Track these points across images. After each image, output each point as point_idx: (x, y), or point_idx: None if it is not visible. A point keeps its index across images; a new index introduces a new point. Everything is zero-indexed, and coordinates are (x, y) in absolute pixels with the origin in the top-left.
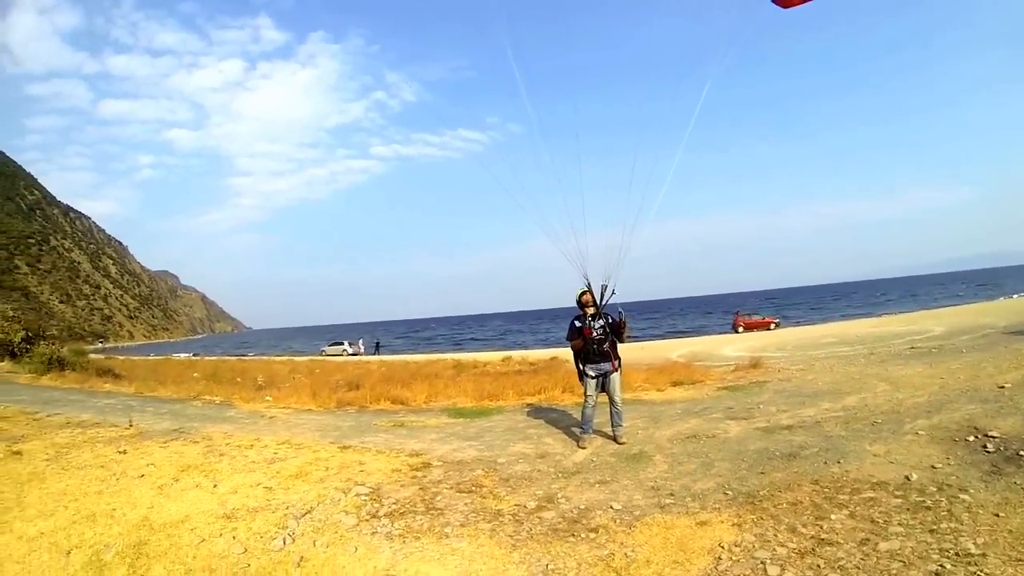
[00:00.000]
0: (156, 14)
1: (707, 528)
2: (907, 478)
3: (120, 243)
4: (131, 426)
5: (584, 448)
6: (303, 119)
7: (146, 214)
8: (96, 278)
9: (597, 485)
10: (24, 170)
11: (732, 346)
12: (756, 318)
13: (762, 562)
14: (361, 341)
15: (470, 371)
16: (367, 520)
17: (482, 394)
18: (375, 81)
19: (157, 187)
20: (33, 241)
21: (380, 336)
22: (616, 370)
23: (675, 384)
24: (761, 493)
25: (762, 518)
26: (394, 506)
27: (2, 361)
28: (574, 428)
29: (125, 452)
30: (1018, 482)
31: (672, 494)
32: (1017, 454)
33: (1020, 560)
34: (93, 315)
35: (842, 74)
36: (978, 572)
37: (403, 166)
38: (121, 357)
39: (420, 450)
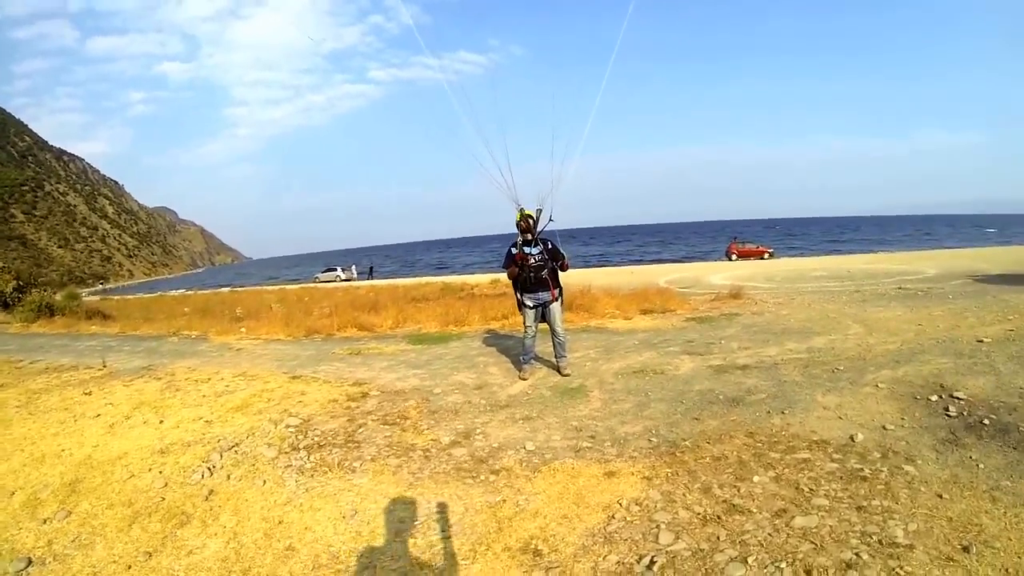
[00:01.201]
0: None
1: (613, 480)
2: (851, 439)
3: (116, 182)
4: (104, 367)
5: (524, 379)
6: (298, 45)
7: (140, 151)
8: (93, 220)
9: (521, 421)
10: (13, 117)
11: (721, 274)
12: (750, 246)
13: (657, 526)
14: (354, 267)
15: (456, 294)
16: (286, 453)
17: (448, 319)
18: (372, 4)
19: (150, 123)
20: (27, 188)
21: (375, 261)
22: (556, 300)
23: (644, 312)
24: (687, 443)
25: (677, 473)
26: (316, 438)
27: None
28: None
29: (90, 393)
30: (973, 457)
31: (593, 436)
32: (980, 422)
33: (951, 560)
34: (92, 257)
35: (862, 15)
36: (898, 569)
37: (402, 90)
38: (116, 297)
39: (364, 379)
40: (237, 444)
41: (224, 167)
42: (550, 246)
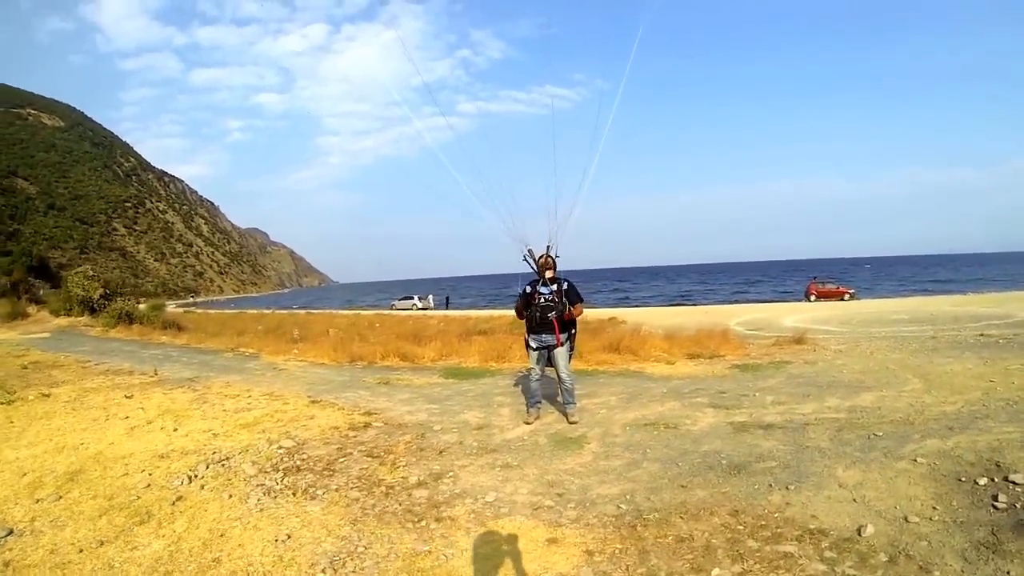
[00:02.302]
0: None
1: (552, 548)
2: (859, 531)
3: (212, 203)
4: (155, 375)
5: (528, 424)
6: (389, 78)
7: (236, 175)
8: (189, 237)
9: (499, 469)
10: (120, 139)
11: (796, 316)
12: (830, 287)
13: None
14: (431, 296)
15: (520, 328)
16: (265, 472)
17: (491, 354)
18: (460, 39)
19: (247, 149)
20: (129, 205)
21: (455, 290)
22: (561, 344)
23: (691, 357)
24: (656, 515)
25: (627, 550)
26: (299, 462)
27: (83, 315)
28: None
29: (131, 397)
30: (1012, 573)
31: (561, 495)
32: None
33: None
34: (186, 271)
35: (955, 37)
36: None
37: (488, 122)
38: (199, 311)
39: (377, 409)
40: (228, 458)
41: (315, 193)
42: (565, 286)
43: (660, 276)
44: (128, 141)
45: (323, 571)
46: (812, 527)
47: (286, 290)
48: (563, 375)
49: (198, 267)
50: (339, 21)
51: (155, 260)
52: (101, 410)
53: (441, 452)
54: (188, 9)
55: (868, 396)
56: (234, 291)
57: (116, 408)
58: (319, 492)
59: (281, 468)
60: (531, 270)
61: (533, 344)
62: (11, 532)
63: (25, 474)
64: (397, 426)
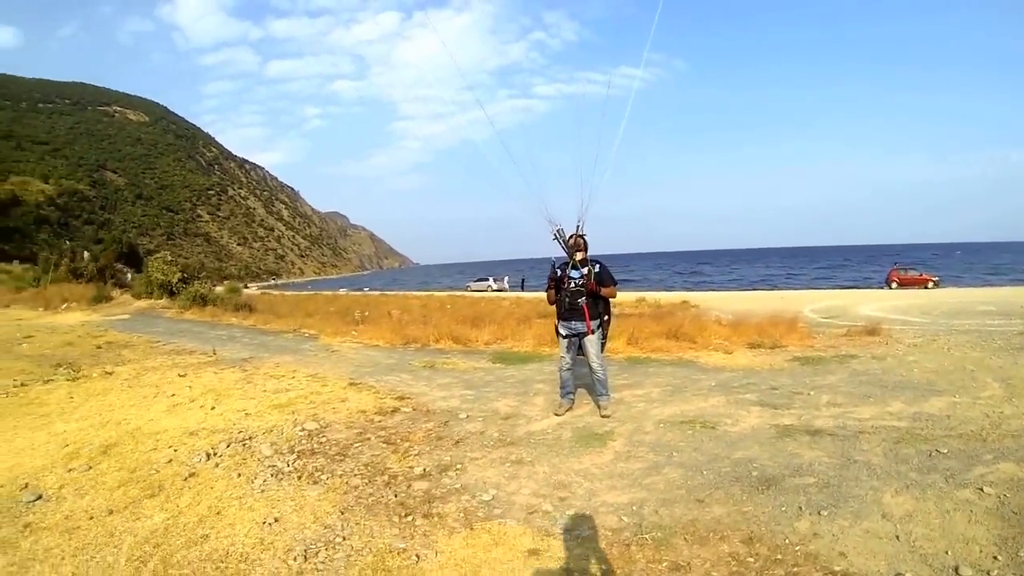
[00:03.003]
0: None
1: (530, 560)
2: None
3: (292, 189)
4: (214, 355)
5: (558, 415)
6: (463, 63)
7: (316, 161)
8: (270, 221)
9: (509, 464)
10: (203, 131)
11: (873, 304)
12: (913, 274)
13: None
14: (507, 278)
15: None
16: (280, 454)
17: (545, 338)
18: (533, 22)
19: (324, 135)
20: (212, 192)
21: (528, 272)
22: (592, 331)
23: (751, 346)
24: (657, 534)
25: (609, 574)
26: (316, 445)
27: (161, 299)
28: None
29: (184, 375)
30: None
31: (563, 499)
32: None
33: None
34: (267, 255)
35: None
36: None
37: (567, 104)
38: (275, 293)
39: (411, 394)
40: (251, 438)
41: (393, 177)
42: (597, 268)
43: (742, 259)
44: (210, 132)
45: (295, 558)
46: (837, 569)
47: (366, 272)
48: (594, 365)
49: (279, 251)
50: (410, 8)
51: (238, 244)
52: (153, 388)
53: (458, 442)
54: (261, 4)
55: (937, 402)
56: (315, 273)
57: (168, 386)
58: (324, 477)
59: (296, 450)
60: (562, 252)
61: (563, 331)
62: (40, 497)
63: (67, 445)
64: (425, 412)
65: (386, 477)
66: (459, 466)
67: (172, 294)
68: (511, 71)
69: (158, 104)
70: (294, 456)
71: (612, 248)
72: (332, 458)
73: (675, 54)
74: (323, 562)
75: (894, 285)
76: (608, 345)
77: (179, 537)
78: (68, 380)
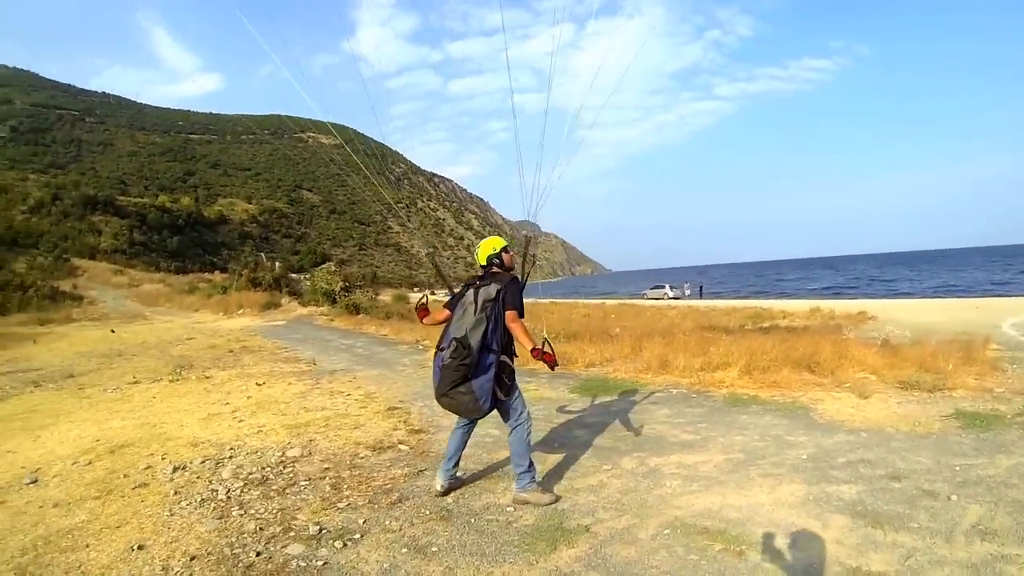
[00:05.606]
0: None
1: None
2: None
3: (482, 199)
4: (315, 364)
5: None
6: (642, 67)
7: (504, 172)
8: (460, 231)
9: (407, 551)
10: (391, 149)
11: None
12: None
13: None
14: (685, 285)
15: (756, 325)
16: (233, 479)
17: (653, 362)
18: (707, 20)
19: (511, 147)
20: (402, 206)
21: (705, 280)
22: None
23: (903, 386)
24: None
25: None
26: (274, 476)
27: (323, 306)
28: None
29: (262, 384)
30: None
31: None
32: None
33: None
34: (457, 263)
35: None
36: None
37: (751, 104)
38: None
39: (433, 427)
40: (230, 457)
41: (582, 185)
42: (500, 292)
43: (939, 261)
44: (399, 150)
45: None
46: None
47: (558, 279)
48: (510, 427)
49: (469, 259)
50: (581, 19)
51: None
52: (223, 394)
53: (393, 503)
54: (437, 28)
55: None
56: None
57: (239, 394)
58: (235, 512)
59: (252, 478)
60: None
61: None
62: (35, 481)
63: (97, 441)
64: (420, 454)
65: (278, 528)
66: (357, 536)
67: (335, 302)
68: (691, 73)
69: (347, 127)
70: (241, 483)
71: (816, 251)
72: (268, 493)
73: (855, 40)
74: None
75: None
76: (716, 376)
77: (62, 540)
78: (170, 381)
